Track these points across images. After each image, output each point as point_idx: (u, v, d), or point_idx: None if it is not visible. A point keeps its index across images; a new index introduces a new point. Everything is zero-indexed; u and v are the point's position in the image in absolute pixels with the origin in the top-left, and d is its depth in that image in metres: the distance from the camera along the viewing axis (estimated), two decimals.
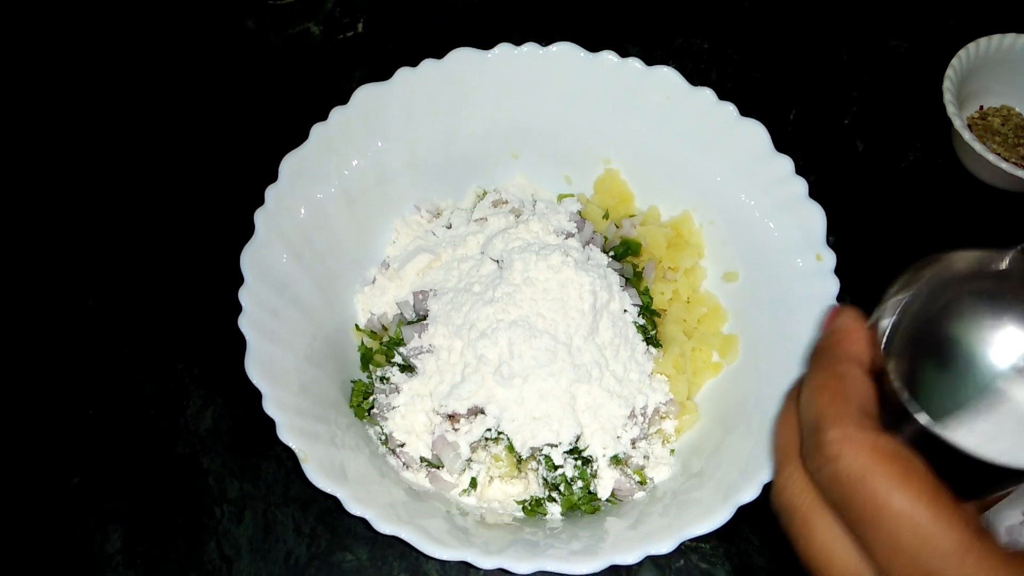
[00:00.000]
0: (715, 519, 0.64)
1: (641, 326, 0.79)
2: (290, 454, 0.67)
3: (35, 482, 0.81)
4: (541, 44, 0.84)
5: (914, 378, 0.52)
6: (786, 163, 0.78)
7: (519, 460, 0.73)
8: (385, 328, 0.82)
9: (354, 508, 0.63)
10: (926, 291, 0.55)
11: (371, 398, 0.77)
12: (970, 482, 0.49)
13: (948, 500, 0.44)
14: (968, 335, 0.52)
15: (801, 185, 0.77)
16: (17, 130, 1.01)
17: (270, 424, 0.67)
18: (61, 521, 0.79)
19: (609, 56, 0.83)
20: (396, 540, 0.64)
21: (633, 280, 0.82)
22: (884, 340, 0.51)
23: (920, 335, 0.53)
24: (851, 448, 0.45)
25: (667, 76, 0.82)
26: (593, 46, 0.84)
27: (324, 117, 0.80)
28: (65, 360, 0.87)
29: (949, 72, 0.94)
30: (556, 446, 0.72)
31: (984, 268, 0.53)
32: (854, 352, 0.51)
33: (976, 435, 0.49)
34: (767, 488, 0.65)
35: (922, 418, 0.47)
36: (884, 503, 0.43)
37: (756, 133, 0.79)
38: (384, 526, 0.62)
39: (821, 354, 0.52)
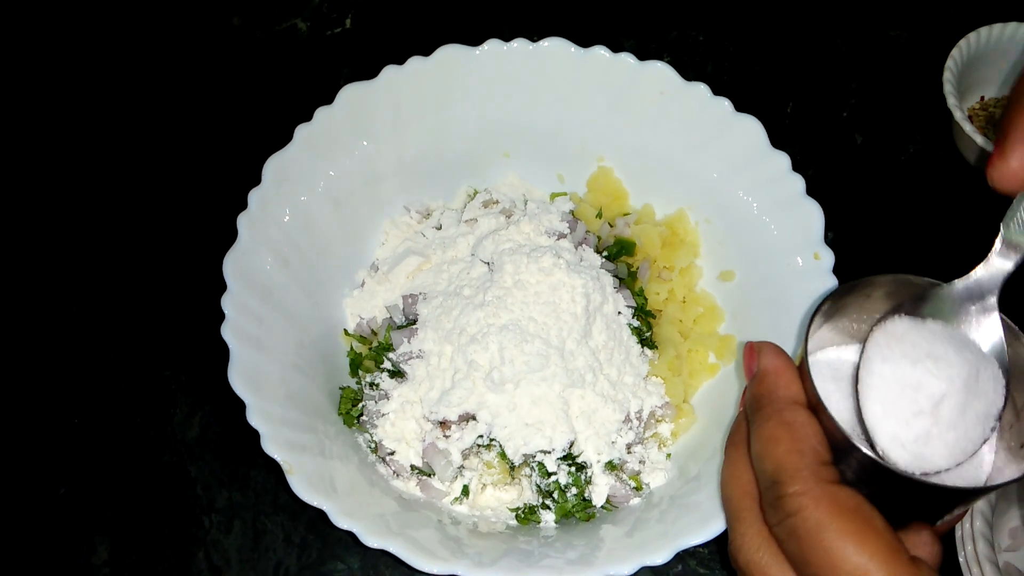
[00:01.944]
0: (712, 527, 0.63)
1: (636, 328, 0.77)
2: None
3: (20, 493, 0.79)
4: (531, 39, 0.82)
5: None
6: (783, 160, 0.76)
7: (512, 467, 0.71)
8: (375, 332, 0.80)
9: (341, 521, 0.61)
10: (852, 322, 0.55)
11: (360, 405, 0.75)
12: (922, 506, 0.49)
13: (904, 559, 0.44)
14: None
15: (798, 182, 0.76)
16: None
17: (258, 432, 0.65)
18: (47, 533, 0.78)
19: (601, 51, 0.81)
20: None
21: (627, 280, 0.81)
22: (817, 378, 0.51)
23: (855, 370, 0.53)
24: (810, 502, 0.45)
25: (661, 71, 0.80)
26: (587, 39, 0.82)
27: (310, 116, 0.78)
28: (50, 368, 0.85)
29: (949, 62, 0.92)
30: (549, 452, 0.70)
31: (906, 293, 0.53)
32: (792, 394, 0.51)
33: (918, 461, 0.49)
34: None
35: (868, 451, 0.47)
36: (840, 559, 0.43)
37: (752, 129, 0.77)
38: (372, 540, 0.60)
39: (761, 402, 0.52)
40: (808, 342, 0.52)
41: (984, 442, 0.50)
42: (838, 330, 0.58)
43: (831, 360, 0.56)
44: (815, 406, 0.50)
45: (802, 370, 0.52)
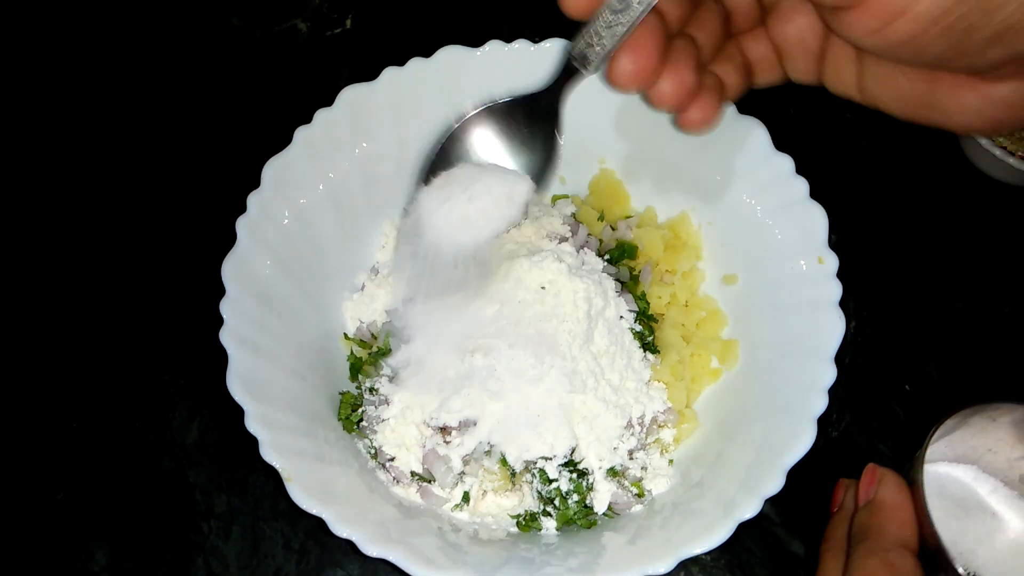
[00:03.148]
0: (715, 536, 0.62)
1: (638, 332, 0.77)
2: None
3: (19, 498, 0.79)
4: (533, 41, 0.81)
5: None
6: (786, 162, 0.76)
7: (513, 473, 0.71)
8: (375, 337, 0.79)
9: (340, 530, 0.60)
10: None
11: (360, 410, 0.75)
12: None
13: None
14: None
15: (802, 185, 0.75)
16: None
17: (257, 438, 0.65)
18: (45, 538, 0.77)
19: None
20: None
21: (629, 284, 0.80)
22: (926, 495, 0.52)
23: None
24: None
25: None
26: None
27: (310, 118, 0.78)
28: (48, 372, 0.85)
29: None
30: (551, 459, 0.70)
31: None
32: (904, 537, 0.50)
33: None
34: (769, 501, 0.63)
35: None
36: None
37: (755, 131, 0.77)
38: (372, 548, 0.60)
39: (869, 534, 0.50)
40: (924, 461, 0.53)
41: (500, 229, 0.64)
42: (954, 447, 0.58)
43: (939, 474, 0.56)
44: (929, 540, 0.49)
45: (920, 496, 0.52)
